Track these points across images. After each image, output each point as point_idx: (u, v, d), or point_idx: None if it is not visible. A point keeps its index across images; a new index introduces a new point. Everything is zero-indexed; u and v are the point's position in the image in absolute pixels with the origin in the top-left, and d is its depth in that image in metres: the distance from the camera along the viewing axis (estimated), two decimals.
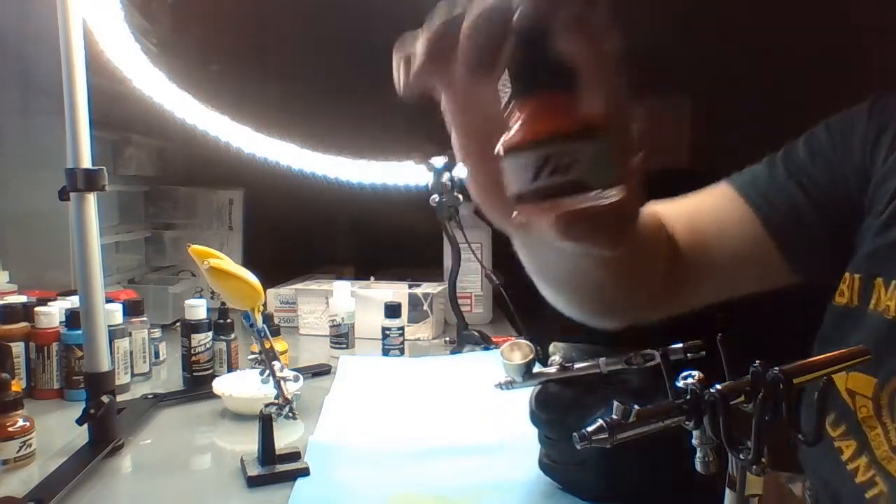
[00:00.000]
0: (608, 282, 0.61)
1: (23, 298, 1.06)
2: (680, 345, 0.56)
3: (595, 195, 0.35)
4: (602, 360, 0.61)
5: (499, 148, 0.36)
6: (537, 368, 0.64)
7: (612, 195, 0.35)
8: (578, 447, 0.42)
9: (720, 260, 0.69)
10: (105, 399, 0.77)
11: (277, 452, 0.74)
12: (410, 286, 1.45)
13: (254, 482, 0.71)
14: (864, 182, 0.65)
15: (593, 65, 0.36)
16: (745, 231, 0.68)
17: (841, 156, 0.67)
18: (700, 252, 0.69)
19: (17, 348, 0.96)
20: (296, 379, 0.87)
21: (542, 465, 0.70)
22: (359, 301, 1.31)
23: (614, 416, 0.42)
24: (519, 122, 0.35)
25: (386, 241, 1.94)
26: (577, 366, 0.62)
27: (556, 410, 0.63)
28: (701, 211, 0.71)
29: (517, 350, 0.64)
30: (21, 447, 0.75)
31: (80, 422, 0.77)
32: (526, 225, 0.43)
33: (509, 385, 0.66)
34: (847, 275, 0.66)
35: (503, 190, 0.39)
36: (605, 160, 0.35)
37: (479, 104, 0.40)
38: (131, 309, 1.07)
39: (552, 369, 0.63)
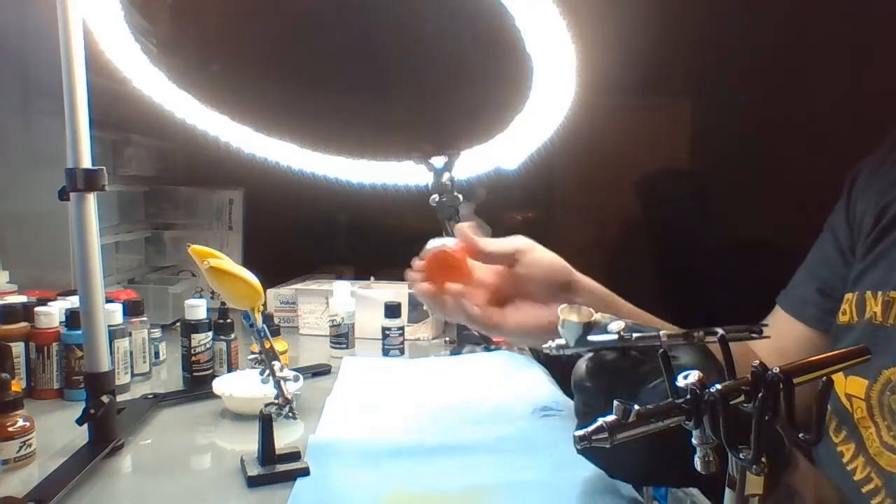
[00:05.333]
0: None
1: (23, 298, 1.06)
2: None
3: None
4: (663, 332, 0.56)
5: None
6: (594, 336, 0.59)
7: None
8: (578, 447, 0.42)
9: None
10: (105, 399, 0.77)
11: (277, 452, 0.74)
12: (410, 286, 1.45)
13: (254, 482, 0.71)
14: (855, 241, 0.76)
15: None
16: (816, 348, 0.79)
17: (840, 240, 0.78)
18: None
19: (17, 348, 0.96)
20: (296, 379, 0.87)
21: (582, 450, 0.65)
22: (359, 301, 1.31)
23: (613, 416, 0.42)
24: None
25: (386, 241, 1.94)
26: (635, 335, 0.57)
27: (608, 378, 0.58)
28: (776, 350, 0.83)
29: (575, 312, 0.60)
30: (21, 447, 0.75)
31: (80, 422, 0.77)
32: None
33: (561, 349, 0.61)
34: (848, 295, 0.73)
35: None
36: None
37: None
38: (131, 309, 1.07)
39: (612, 336, 0.57)
